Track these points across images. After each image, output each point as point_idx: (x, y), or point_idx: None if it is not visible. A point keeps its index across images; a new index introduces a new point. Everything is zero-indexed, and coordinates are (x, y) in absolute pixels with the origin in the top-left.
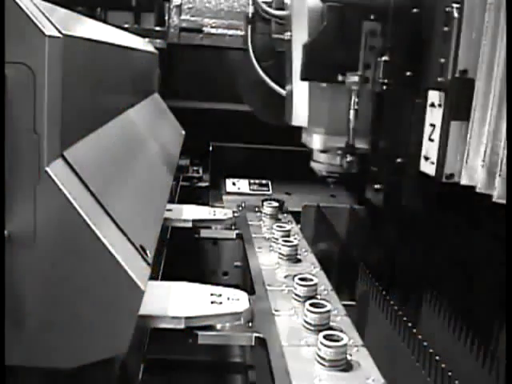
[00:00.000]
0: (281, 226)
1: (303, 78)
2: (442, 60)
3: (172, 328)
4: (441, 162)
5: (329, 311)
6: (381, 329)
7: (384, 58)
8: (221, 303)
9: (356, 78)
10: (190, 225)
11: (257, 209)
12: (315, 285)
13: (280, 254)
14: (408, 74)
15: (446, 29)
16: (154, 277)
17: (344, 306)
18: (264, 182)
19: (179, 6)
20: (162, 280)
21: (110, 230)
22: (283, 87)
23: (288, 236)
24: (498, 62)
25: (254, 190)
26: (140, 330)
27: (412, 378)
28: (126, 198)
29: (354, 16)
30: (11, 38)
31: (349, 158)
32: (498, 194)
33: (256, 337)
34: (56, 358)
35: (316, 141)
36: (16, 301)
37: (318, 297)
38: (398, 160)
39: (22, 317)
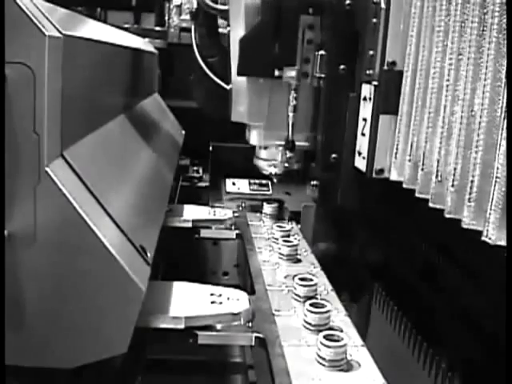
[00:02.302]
0: (281, 226)
1: (239, 73)
2: (372, 52)
3: (172, 328)
4: (371, 157)
5: (329, 311)
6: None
7: (321, 52)
8: (221, 303)
9: (293, 73)
10: (189, 225)
11: (257, 209)
12: (315, 285)
13: (280, 253)
14: (343, 67)
15: (374, 21)
16: (154, 277)
17: (344, 306)
18: (264, 182)
19: (179, 6)
20: (161, 280)
21: (110, 230)
22: (226, 83)
23: (288, 236)
24: (423, 53)
25: (253, 190)
26: (140, 329)
27: (412, 377)
28: (126, 198)
29: (291, 10)
30: (11, 38)
31: (289, 155)
32: (419, 188)
33: (256, 337)
34: (56, 357)
35: (255, 137)
36: (16, 301)
37: (318, 297)
38: (334, 155)
39: (22, 317)
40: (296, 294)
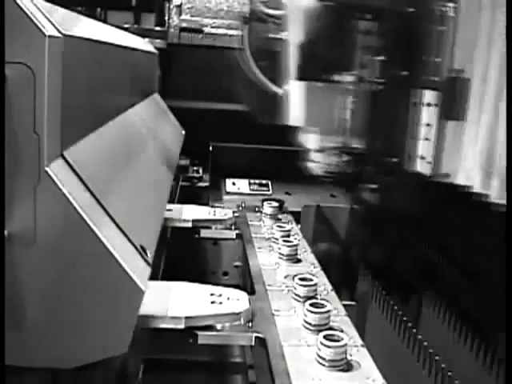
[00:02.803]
0: (281, 226)
1: (298, 78)
2: (437, 59)
3: (172, 328)
4: (436, 162)
5: (329, 311)
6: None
7: (379, 58)
8: (221, 303)
9: (352, 78)
10: (189, 225)
11: (257, 209)
12: (315, 285)
13: (280, 253)
14: (403, 73)
15: (440, 28)
16: (154, 277)
17: (344, 305)
18: (264, 182)
19: (179, 6)
20: (162, 280)
21: (110, 230)
22: (279, 87)
23: (288, 236)
24: (493, 61)
25: (253, 190)
26: (140, 330)
27: (412, 377)
28: (126, 198)
29: (350, 15)
30: (11, 37)
31: (344, 158)
32: (495, 194)
33: (256, 337)
34: (56, 358)
35: (311, 140)
36: (16, 301)
37: (318, 297)
38: (394, 159)
39: (22, 317)
40: (296, 294)
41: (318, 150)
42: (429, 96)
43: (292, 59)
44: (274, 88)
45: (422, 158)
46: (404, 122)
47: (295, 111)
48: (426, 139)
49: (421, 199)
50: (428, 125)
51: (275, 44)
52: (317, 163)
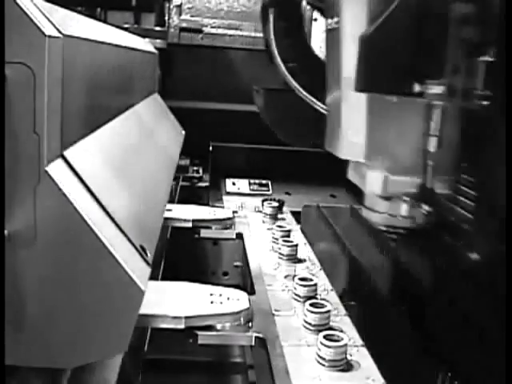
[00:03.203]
0: (281, 226)
1: (360, 89)
2: None
3: (172, 328)
4: None
5: (329, 311)
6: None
7: (485, 58)
8: (221, 303)
9: (440, 89)
10: (190, 225)
11: (257, 209)
12: (315, 285)
13: (280, 253)
14: None
15: None
16: (154, 277)
17: (344, 306)
18: (264, 182)
19: (179, 6)
20: (162, 280)
21: (110, 230)
22: (318, 98)
23: (288, 236)
24: None
25: (253, 190)
26: (140, 330)
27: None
28: (126, 198)
29: None
30: (11, 37)
31: (425, 209)
32: None
33: (256, 337)
34: (56, 358)
35: (376, 182)
36: (16, 301)
37: (318, 297)
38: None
39: (22, 317)
40: (296, 294)
41: (384, 197)
42: None
43: (347, 60)
44: (314, 102)
45: None
46: None
47: (350, 138)
48: None
49: None
50: None
51: (316, 37)
52: (381, 214)
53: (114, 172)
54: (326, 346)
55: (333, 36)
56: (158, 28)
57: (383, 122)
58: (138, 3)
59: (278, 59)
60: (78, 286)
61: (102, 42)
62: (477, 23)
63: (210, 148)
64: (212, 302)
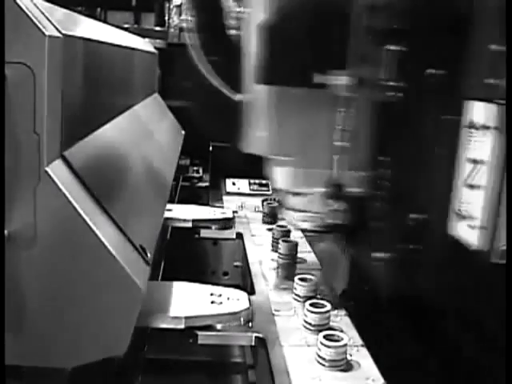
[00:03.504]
0: (281, 226)
1: (261, 81)
2: (496, 48)
3: (172, 328)
4: (492, 227)
5: (329, 311)
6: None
7: (393, 47)
8: (221, 303)
9: (344, 79)
10: (190, 225)
11: (257, 209)
12: (315, 285)
13: (280, 253)
14: (434, 72)
15: None
16: (154, 277)
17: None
18: (264, 182)
19: (179, 6)
20: (162, 280)
21: (110, 230)
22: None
23: (288, 236)
24: None
25: (253, 190)
26: (140, 330)
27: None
28: (126, 198)
29: None
30: (11, 38)
31: (334, 205)
32: None
33: (256, 337)
34: (56, 357)
35: (282, 178)
36: (16, 301)
37: (318, 297)
38: (414, 215)
39: (22, 317)
40: (296, 294)
41: (294, 193)
42: (480, 112)
43: (255, 51)
44: (232, 95)
45: (468, 217)
46: (433, 152)
47: (255, 131)
48: (476, 186)
49: (456, 281)
50: (476, 161)
51: (232, 28)
52: (292, 211)
53: (113, 172)
54: (326, 346)
55: (245, 27)
56: (158, 28)
57: (287, 113)
58: (138, 3)
59: (199, 51)
60: (77, 286)
61: (102, 42)
62: (379, 12)
63: (210, 148)
64: (212, 302)
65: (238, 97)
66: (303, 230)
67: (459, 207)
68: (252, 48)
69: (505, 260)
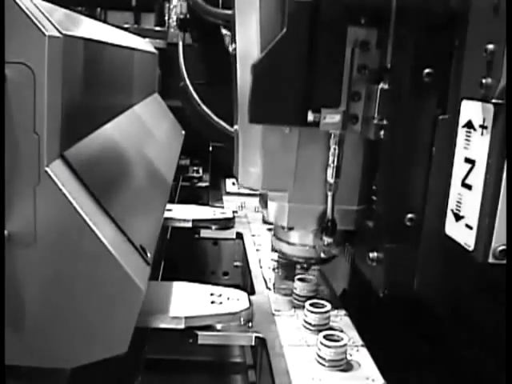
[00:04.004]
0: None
1: (252, 120)
2: (492, 47)
3: (172, 328)
4: (486, 228)
5: (329, 311)
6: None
7: (381, 86)
8: (221, 303)
9: (337, 118)
10: (189, 225)
11: (257, 209)
12: (315, 285)
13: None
14: (429, 71)
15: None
16: (154, 277)
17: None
18: None
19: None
20: (162, 280)
21: (110, 230)
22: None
23: None
24: None
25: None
26: (140, 330)
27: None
28: (126, 198)
29: (333, 18)
30: (11, 37)
31: (326, 241)
32: None
33: (256, 337)
34: (56, 358)
35: (274, 212)
36: (16, 301)
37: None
38: (410, 215)
39: (22, 317)
40: (296, 294)
41: (287, 228)
42: (474, 111)
43: (241, 88)
44: (225, 125)
45: (458, 216)
46: (428, 153)
47: (247, 167)
48: (467, 186)
49: (450, 280)
50: (470, 161)
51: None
52: (286, 244)
53: (113, 172)
54: (326, 346)
55: (234, 61)
56: (158, 28)
57: (280, 151)
58: (138, 3)
59: (188, 82)
60: (77, 286)
61: (102, 42)
62: (370, 50)
63: (210, 148)
64: (212, 302)
65: (234, 128)
66: (296, 263)
67: (453, 206)
68: (244, 85)
69: (499, 260)
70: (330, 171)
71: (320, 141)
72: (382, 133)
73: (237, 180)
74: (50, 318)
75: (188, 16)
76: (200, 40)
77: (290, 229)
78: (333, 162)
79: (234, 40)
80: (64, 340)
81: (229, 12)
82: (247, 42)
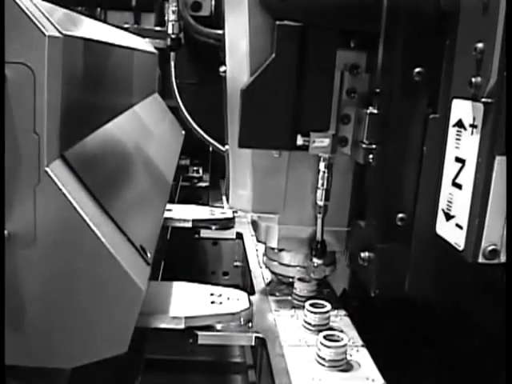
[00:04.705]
0: None
1: (242, 145)
2: (481, 46)
3: (172, 328)
4: (476, 228)
5: (329, 311)
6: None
7: (371, 110)
8: (221, 303)
9: (326, 141)
10: (189, 225)
11: None
12: (315, 285)
13: None
14: (419, 70)
15: None
16: (154, 277)
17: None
18: None
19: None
20: (162, 280)
21: (110, 230)
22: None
23: None
24: None
25: None
26: (140, 330)
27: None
28: (126, 198)
29: (322, 42)
30: (11, 37)
31: (316, 262)
32: None
33: (256, 337)
34: (56, 357)
35: (264, 234)
36: (16, 301)
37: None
38: (400, 215)
39: (22, 317)
40: (296, 294)
41: (277, 250)
42: (464, 110)
43: (232, 111)
44: (218, 145)
45: (449, 216)
46: (420, 153)
47: (237, 190)
48: (457, 185)
49: (442, 281)
50: (460, 160)
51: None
52: (277, 264)
53: (113, 172)
54: (325, 346)
55: (225, 83)
56: (158, 28)
57: (270, 174)
58: (138, 3)
59: (179, 101)
60: (77, 286)
61: (102, 42)
62: (360, 73)
63: (210, 148)
64: (212, 302)
65: (225, 148)
66: (288, 284)
67: (444, 206)
68: (233, 108)
69: (489, 260)
70: (319, 193)
71: (310, 163)
72: (370, 157)
73: (227, 201)
74: (50, 318)
75: (181, 35)
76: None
77: (281, 250)
78: (322, 184)
79: (224, 62)
80: (64, 340)
81: (221, 32)
82: (236, 66)
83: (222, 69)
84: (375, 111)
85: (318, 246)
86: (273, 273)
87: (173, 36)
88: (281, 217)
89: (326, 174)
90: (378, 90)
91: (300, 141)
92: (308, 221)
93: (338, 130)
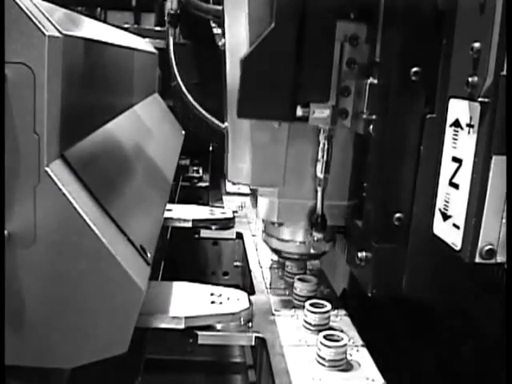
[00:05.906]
0: None
1: (240, 114)
2: (478, 46)
3: (172, 328)
4: (473, 228)
5: (329, 311)
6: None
7: (371, 81)
8: (221, 303)
9: (326, 112)
10: (189, 225)
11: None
12: (315, 285)
13: None
14: (416, 70)
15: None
16: (154, 277)
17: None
18: None
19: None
20: (162, 280)
21: (110, 230)
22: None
23: None
24: None
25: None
26: (140, 330)
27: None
28: (126, 198)
29: (322, 12)
30: (11, 37)
31: (316, 236)
32: None
33: (256, 337)
34: (56, 357)
35: (264, 208)
36: (16, 301)
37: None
38: (398, 215)
39: (22, 317)
40: (296, 294)
41: (277, 224)
42: (461, 109)
43: (231, 82)
44: (217, 122)
45: (446, 216)
46: (416, 151)
47: (237, 162)
48: (454, 185)
49: (439, 281)
50: (457, 160)
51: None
52: (275, 240)
53: (113, 172)
54: (326, 346)
55: (224, 55)
56: (158, 28)
57: (269, 146)
58: (138, 3)
59: (178, 78)
60: (77, 286)
61: (102, 42)
62: (360, 44)
63: (210, 148)
64: (212, 302)
65: (224, 125)
66: (285, 258)
67: (441, 206)
68: (233, 81)
69: (486, 260)
70: (319, 166)
71: (309, 136)
72: (371, 127)
73: (226, 176)
74: (49, 318)
75: (179, 12)
76: (191, 38)
77: (280, 224)
78: (322, 156)
79: (223, 35)
80: (64, 340)
81: (219, 7)
82: (236, 38)
83: (221, 42)
84: (375, 81)
85: (318, 219)
86: (272, 250)
87: (172, 12)
88: (280, 190)
89: (325, 146)
90: (377, 60)
91: (300, 112)
92: (308, 194)
93: (338, 103)
